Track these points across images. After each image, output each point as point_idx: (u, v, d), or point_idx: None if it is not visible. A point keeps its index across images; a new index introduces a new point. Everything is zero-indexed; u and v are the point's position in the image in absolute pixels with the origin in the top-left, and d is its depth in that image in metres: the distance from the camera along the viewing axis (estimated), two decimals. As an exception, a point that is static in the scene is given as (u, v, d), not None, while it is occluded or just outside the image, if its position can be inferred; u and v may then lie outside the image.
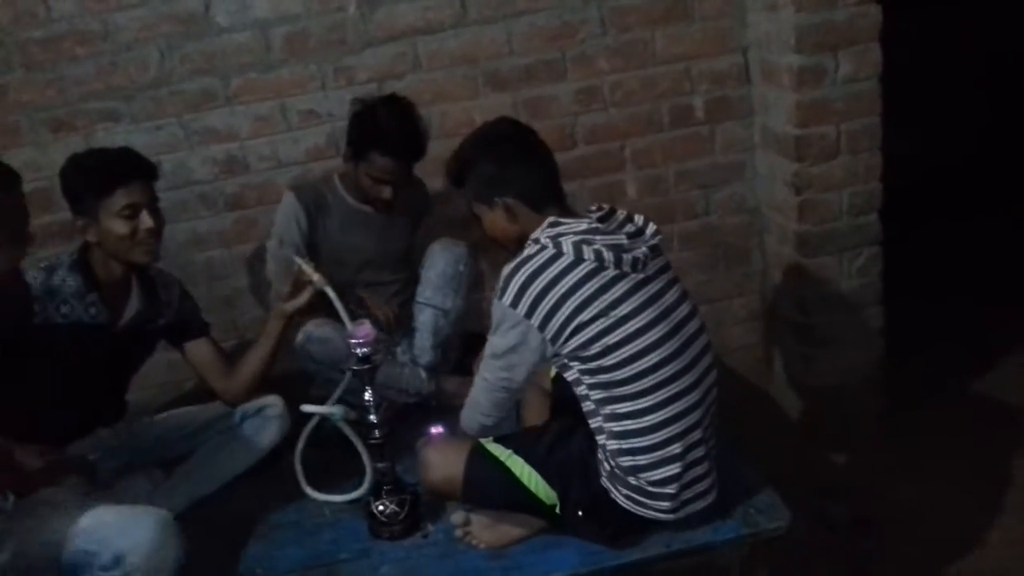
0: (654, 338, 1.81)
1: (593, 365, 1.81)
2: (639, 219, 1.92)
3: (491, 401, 1.97)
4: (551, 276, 1.78)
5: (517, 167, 1.91)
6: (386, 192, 2.54)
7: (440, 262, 2.65)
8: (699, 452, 1.87)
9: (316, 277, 2.22)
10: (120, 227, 2.15)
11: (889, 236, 2.89)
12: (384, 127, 2.46)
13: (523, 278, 1.79)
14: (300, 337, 2.52)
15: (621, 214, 1.92)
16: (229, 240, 2.96)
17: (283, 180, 2.90)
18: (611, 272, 1.78)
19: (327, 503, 2.23)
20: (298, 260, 2.27)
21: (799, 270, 2.89)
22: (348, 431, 2.13)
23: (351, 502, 2.20)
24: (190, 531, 2.12)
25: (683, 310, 1.88)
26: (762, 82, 2.90)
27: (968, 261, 3.94)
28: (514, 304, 1.80)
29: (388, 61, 2.82)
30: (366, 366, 2.01)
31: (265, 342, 2.38)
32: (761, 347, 3.28)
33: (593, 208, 1.93)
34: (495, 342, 1.88)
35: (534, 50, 2.86)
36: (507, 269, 1.83)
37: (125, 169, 2.17)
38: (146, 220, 2.16)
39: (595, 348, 1.79)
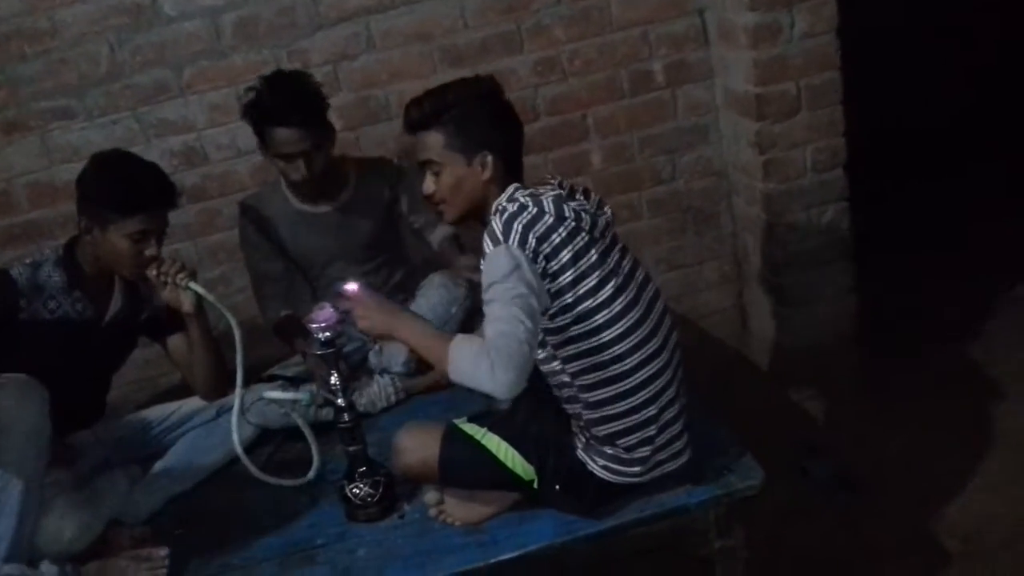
0: (623, 304, 1.81)
1: (568, 335, 1.80)
2: (592, 195, 1.90)
3: (512, 315, 1.69)
4: (542, 230, 1.74)
5: (507, 128, 1.87)
6: (300, 169, 2.45)
7: (434, 297, 2.57)
8: (672, 412, 1.88)
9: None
10: (125, 247, 2.16)
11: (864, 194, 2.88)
12: (268, 99, 2.40)
13: (520, 226, 1.73)
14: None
15: (576, 186, 1.91)
16: (194, 232, 2.93)
17: (244, 168, 2.88)
18: (585, 236, 1.78)
19: (302, 489, 2.23)
20: (195, 287, 2.25)
21: (768, 230, 2.89)
22: (298, 418, 2.13)
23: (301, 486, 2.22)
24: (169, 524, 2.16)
25: (640, 275, 1.88)
26: (720, 42, 2.88)
27: (943, 217, 3.94)
28: (521, 245, 1.72)
29: (341, 42, 2.79)
30: (330, 350, 1.99)
31: (195, 347, 2.37)
32: (736, 310, 3.28)
33: (548, 177, 1.92)
34: (492, 273, 1.73)
35: (489, 23, 2.83)
36: (496, 223, 1.76)
37: (153, 197, 2.17)
38: (151, 246, 2.18)
39: (569, 316, 1.78)
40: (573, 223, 1.77)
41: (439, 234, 2.65)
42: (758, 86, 2.69)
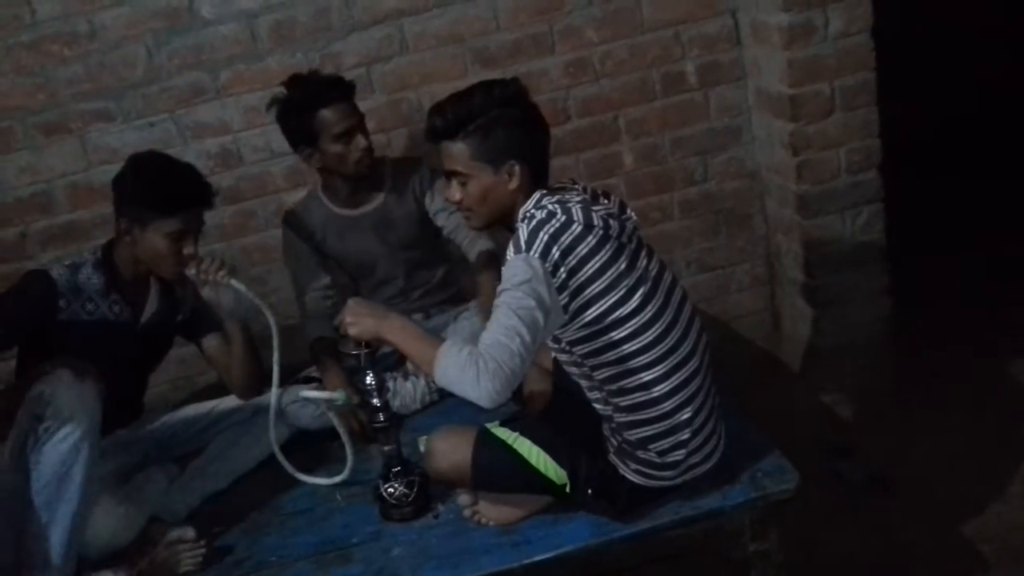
0: (654, 310, 1.80)
1: (596, 344, 1.80)
2: (613, 197, 1.89)
3: (512, 329, 1.68)
4: (568, 240, 1.74)
5: (533, 133, 1.84)
6: (361, 142, 2.46)
7: (478, 324, 2.50)
8: (704, 414, 1.88)
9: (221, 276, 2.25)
10: (164, 246, 2.19)
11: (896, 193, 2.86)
12: (312, 87, 2.42)
13: (546, 237, 1.73)
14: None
15: (599, 190, 1.90)
16: (229, 233, 2.95)
17: (278, 170, 2.91)
18: (615, 243, 1.78)
19: (337, 488, 2.24)
20: (234, 283, 2.26)
21: (802, 231, 2.87)
22: (333, 418, 2.14)
23: (336, 484, 2.24)
24: (206, 523, 2.19)
25: (667, 279, 1.88)
26: (753, 43, 2.86)
27: (977, 217, 3.89)
28: (542, 257, 1.72)
29: (374, 45, 2.81)
30: (365, 350, 1.99)
31: (233, 346, 2.39)
32: (768, 312, 3.26)
33: (566, 182, 1.91)
34: (507, 280, 1.74)
35: (520, 25, 2.84)
36: (522, 231, 1.76)
37: (191, 197, 2.21)
38: (189, 245, 2.21)
39: (598, 326, 1.78)
40: (602, 231, 1.76)
41: (477, 247, 2.59)
42: (792, 87, 2.67)
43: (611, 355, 1.80)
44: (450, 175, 1.86)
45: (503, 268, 1.77)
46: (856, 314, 2.93)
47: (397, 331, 1.83)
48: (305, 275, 2.63)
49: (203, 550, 2.09)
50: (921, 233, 3.59)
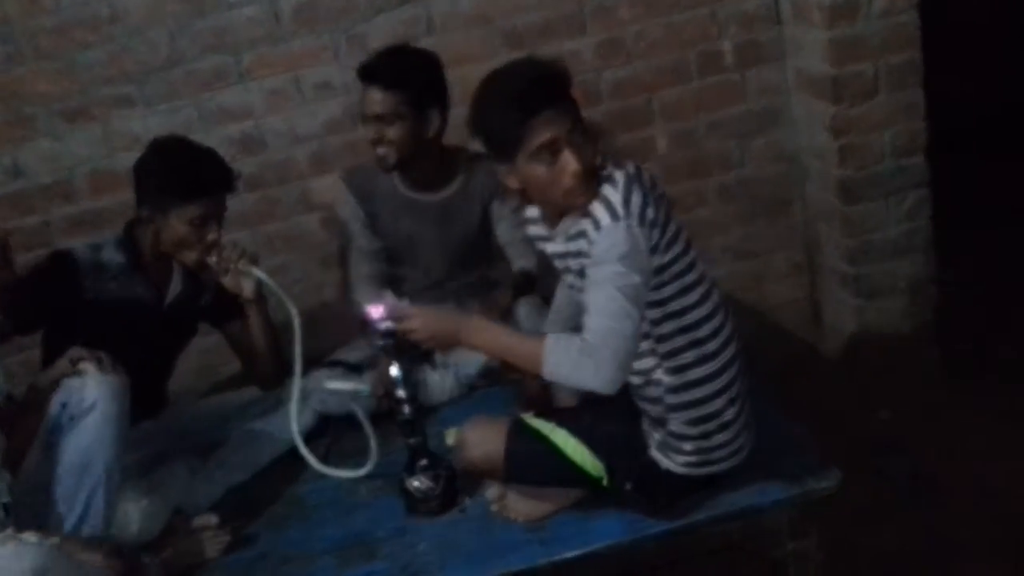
0: (708, 284, 1.79)
1: (669, 309, 1.74)
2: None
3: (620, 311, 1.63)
4: (654, 198, 1.70)
5: None
6: (370, 133, 2.36)
7: (526, 325, 2.40)
8: (742, 399, 1.84)
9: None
10: (186, 232, 2.19)
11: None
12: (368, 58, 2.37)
13: (639, 197, 1.65)
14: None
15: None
16: (252, 221, 2.92)
17: (302, 155, 2.88)
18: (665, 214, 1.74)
19: (362, 482, 2.20)
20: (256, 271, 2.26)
21: (843, 218, 2.81)
22: (358, 410, 2.11)
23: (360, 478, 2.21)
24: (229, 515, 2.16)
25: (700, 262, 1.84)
26: (793, 21, 2.81)
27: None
28: (640, 221, 1.65)
29: (401, 26, 2.76)
30: (391, 340, 1.95)
31: (254, 335, 2.37)
32: (807, 301, 3.20)
33: None
34: (607, 251, 1.65)
35: (551, 4, 2.79)
36: (612, 193, 1.67)
37: (212, 181, 2.20)
38: (212, 231, 2.20)
39: (681, 283, 1.73)
40: (658, 198, 1.72)
41: (520, 263, 2.53)
42: (834, 67, 2.62)
43: (680, 322, 1.75)
44: (571, 134, 1.69)
45: (599, 235, 1.66)
46: (901, 304, 2.87)
47: (482, 333, 1.80)
48: (361, 236, 2.57)
49: (228, 537, 2.08)
50: (972, 217, 3.48)
